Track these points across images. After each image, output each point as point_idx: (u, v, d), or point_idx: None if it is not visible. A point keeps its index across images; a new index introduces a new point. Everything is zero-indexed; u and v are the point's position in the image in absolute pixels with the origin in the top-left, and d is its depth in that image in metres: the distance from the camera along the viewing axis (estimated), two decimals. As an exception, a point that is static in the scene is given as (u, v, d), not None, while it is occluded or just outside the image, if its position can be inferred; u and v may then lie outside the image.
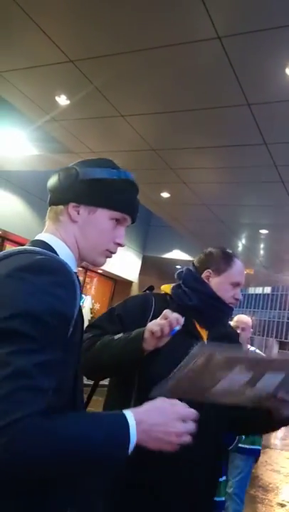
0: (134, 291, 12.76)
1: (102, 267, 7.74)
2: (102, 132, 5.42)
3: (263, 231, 8.16)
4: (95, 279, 12.81)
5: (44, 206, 1.07)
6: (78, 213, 1.02)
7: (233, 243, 9.59)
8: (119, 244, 1.08)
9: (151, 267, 12.82)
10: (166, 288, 1.64)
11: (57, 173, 1.04)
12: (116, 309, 1.59)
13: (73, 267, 1.00)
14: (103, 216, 1.03)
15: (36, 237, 1.03)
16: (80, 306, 0.95)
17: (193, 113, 4.48)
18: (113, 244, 1.07)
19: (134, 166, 6.18)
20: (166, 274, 14.30)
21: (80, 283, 1.00)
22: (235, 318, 3.47)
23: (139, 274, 12.69)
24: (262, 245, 9.51)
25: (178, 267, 11.92)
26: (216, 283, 1.58)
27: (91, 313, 12.64)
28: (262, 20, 3.09)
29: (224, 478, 2.26)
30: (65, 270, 0.90)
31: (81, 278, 12.10)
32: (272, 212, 7.24)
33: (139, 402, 0.91)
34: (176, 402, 0.89)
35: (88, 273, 12.20)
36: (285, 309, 65.28)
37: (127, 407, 0.89)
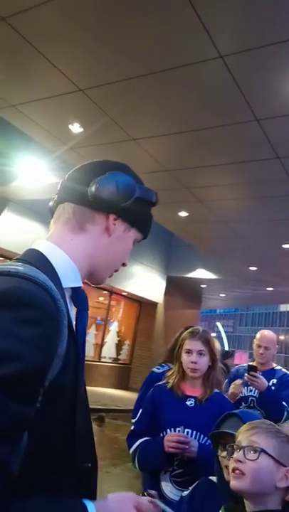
0: (160, 312, 12.69)
1: (127, 289, 7.78)
2: (116, 157, 5.43)
3: (286, 246, 8.03)
4: (122, 302, 12.83)
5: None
6: (115, 226, 0.94)
7: (255, 259, 9.47)
8: (125, 265, 1.02)
9: (175, 287, 12.77)
10: None
11: (114, 180, 0.91)
12: None
13: (76, 281, 0.89)
14: (132, 236, 0.97)
15: (34, 245, 0.90)
16: (78, 338, 0.83)
17: (203, 132, 4.53)
18: (122, 265, 1.00)
19: (149, 188, 6.27)
20: (192, 294, 14.20)
21: (85, 298, 0.91)
22: (258, 335, 3.27)
23: (164, 294, 12.64)
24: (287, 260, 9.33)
25: (203, 286, 11.59)
26: None
27: (118, 336, 12.65)
28: (262, 37, 3.14)
29: None
30: (40, 300, 0.73)
31: (106, 301, 12.16)
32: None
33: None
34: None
35: (113, 296, 12.24)
36: None
37: None
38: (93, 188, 0.90)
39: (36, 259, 0.84)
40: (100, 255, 0.93)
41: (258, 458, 1.10)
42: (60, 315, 0.76)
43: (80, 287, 0.90)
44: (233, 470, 1.12)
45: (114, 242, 0.94)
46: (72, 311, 0.88)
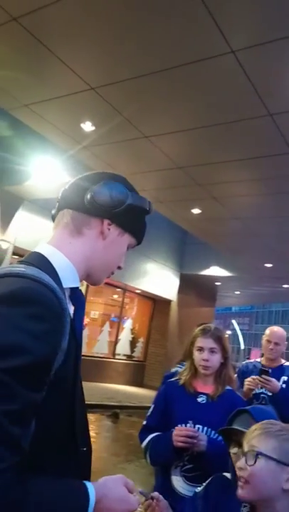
0: (174, 310, 12.68)
1: (141, 287, 7.81)
2: (129, 155, 5.54)
3: (301, 242, 7.94)
4: (135, 300, 12.86)
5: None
6: (109, 231, 1.01)
7: (270, 256, 9.38)
8: (120, 268, 1.09)
9: (189, 284, 12.74)
10: None
11: (108, 188, 0.99)
12: None
13: (75, 282, 0.97)
14: (126, 241, 1.05)
15: (37, 248, 0.98)
16: (77, 335, 0.91)
17: (216, 128, 4.50)
18: (117, 268, 1.08)
19: (162, 185, 6.26)
20: (206, 292, 14.14)
21: (82, 298, 1.00)
22: (267, 331, 3.28)
23: (178, 292, 12.63)
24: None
25: (217, 283, 11.52)
26: None
27: (132, 333, 12.68)
28: (273, 31, 3.10)
29: None
30: (47, 299, 0.81)
31: (120, 299, 12.20)
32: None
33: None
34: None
35: (127, 293, 12.27)
36: None
37: None
38: (89, 195, 0.99)
39: (39, 261, 0.93)
40: (96, 258, 1.01)
41: (255, 462, 1.04)
42: (64, 313, 0.84)
43: (78, 287, 0.98)
44: (239, 478, 1.08)
45: (108, 245, 1.02)
46: (71, 310, 0.96)
